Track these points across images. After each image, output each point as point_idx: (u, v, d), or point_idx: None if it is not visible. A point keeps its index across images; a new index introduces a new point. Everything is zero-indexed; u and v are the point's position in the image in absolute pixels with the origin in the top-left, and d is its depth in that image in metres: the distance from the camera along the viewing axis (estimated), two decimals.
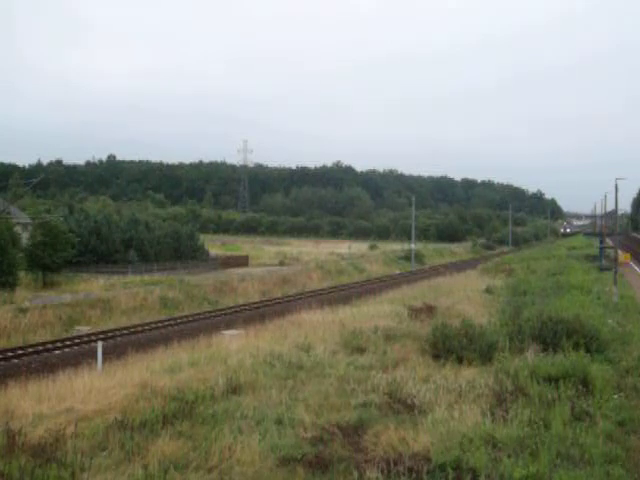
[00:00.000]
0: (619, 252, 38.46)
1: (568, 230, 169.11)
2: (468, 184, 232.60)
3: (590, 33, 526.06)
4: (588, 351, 15.16)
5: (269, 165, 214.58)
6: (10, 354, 25.08)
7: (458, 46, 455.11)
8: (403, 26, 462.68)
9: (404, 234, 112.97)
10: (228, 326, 28.78)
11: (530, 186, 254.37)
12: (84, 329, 30.83)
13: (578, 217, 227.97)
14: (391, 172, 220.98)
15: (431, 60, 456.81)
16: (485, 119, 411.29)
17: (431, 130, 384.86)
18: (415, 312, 23.90)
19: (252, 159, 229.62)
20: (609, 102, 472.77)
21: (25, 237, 47.42)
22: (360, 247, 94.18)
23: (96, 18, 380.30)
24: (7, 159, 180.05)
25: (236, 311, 37.71)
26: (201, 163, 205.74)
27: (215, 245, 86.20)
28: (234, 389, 13.03)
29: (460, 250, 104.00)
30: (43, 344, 27.07)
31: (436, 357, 15.92)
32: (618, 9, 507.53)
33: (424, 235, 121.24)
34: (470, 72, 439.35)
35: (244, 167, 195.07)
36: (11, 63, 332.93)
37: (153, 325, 32.48)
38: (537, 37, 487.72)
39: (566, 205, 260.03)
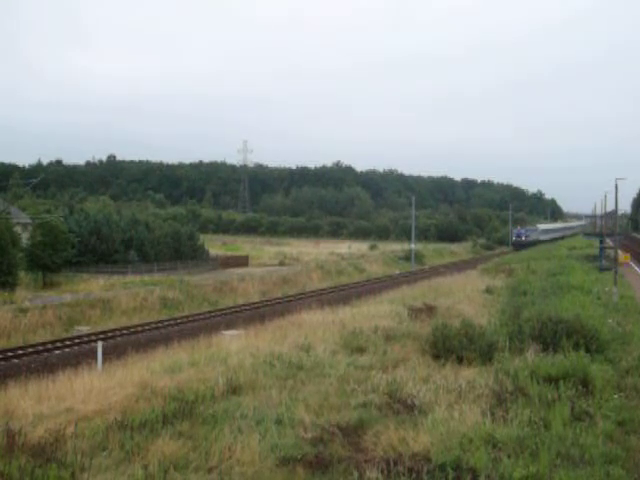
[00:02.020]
0: (619, 252, 38.47)
1: (524, 237, 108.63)
2: (468, 184, 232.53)
3: (589, 33, 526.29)
4: (588, 351, 15.16)
5: (269, 165, 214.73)
6: (10, 354, 25.09)
7: (458, 46, 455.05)
8: (402, 25, 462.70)
9: (404, 234, 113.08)
10: (228, 326, 28.80)
11: (530, 186, 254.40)
12: (84, 329, 30.84)
13: (578, 217, 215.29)
14: (391, 172, 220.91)
15: (431, 60, 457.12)
16: (485, 118, 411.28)
17: (431, 130, 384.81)
18: (415, 312, 23.91)
19: (252, 159, 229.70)
20: (609, 101, 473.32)
21: (25, 237, 47.41)
22: (360, 247, 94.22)
23: (96, 18, 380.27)
24: (7, 159, 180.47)
25: (236, 311, 37.71)
26: (201, 163, 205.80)
27: (215, 245, 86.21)
28: (234, 389, 13.04)
29: (460, 250, 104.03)
30: (43, 344, 27.08)
31: (436, 357, 15.93)
32: (616, 11, 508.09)
33: (424, 235, 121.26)
34: (470, 72, 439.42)
35: (244, 167, 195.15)
36: (12, 63, 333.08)
37: (153, 325, 32.48)
38: (538, 38, 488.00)
39: (566, 205, 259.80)
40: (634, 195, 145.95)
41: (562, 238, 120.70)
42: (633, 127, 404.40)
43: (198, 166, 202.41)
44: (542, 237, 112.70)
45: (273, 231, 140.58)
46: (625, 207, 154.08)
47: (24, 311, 31.11)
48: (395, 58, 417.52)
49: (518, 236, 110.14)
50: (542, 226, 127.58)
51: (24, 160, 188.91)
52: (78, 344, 27.35)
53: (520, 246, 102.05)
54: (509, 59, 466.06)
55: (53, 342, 27.60)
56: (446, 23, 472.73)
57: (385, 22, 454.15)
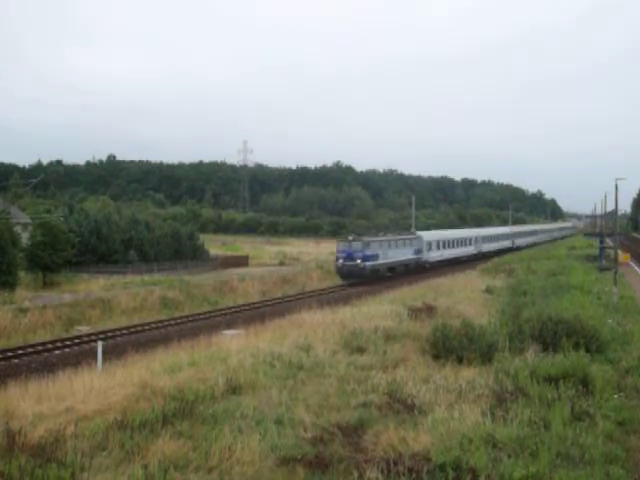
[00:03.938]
0: (619, 252, 38.45)
1: (360, 260, 48.15)
2: (468, 184, 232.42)
3: (593, 38, 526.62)
4: (588, 351, 15.18)
5: (269, 165, 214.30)
6: (10, 354, 25.07)
7: (459, 49, 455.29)
8: (402, 25, 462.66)
9: None
10: (228, 326, 28.79)
11: (530, 186, 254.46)
12: (84, 329, 30.84)
13: (578, 216, 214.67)
14: (391, 172, 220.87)
15: (431, 62, 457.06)
16: (486, 120, 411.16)
17: (431, 130, 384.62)
18: (415, 312, 23.91)
19: (252, 159, 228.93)
20: (609, 101, 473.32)
21: (25, 237, 47.44)
22: None
23: (97, 19, 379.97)
24: (7, 159, 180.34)
25: (236, 311, 37.69)
26: (201, 163, 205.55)
27: (215, 245, 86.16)
28: (234, 389, 13.04)
29: None
30: (43, 344, 27.06)
31: (436, 357, 15.94)
32: (614, 16, 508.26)
33: None
34: (472, 75, 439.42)
35: (244, 167, 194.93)
36: (12, 64, 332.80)
37: (153, 325, 32.46)
38: (540, 41, 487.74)
39: (566, 205, 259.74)
40: (634, 195, 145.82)
41: (511, 250, 79.53)
42: (635, 126, 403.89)
43: (198, 166, 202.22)
44: (433, 257, 61.22)
45: (273, 231, 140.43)
46: (625, 207, 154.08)
47: (24, 311, 31.10)
48: (395, 59, 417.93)
49: (349, 257, 49.25)
50: (430, 235, 63.69)
51: (24, 160, 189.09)
52: (78, 344, 27.32)
53: (356, 278, 49.47)
54: (511, 61, 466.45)
55: (53, 342, 27.58)
56: (446, 26, 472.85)
57: (385, 23, 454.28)
